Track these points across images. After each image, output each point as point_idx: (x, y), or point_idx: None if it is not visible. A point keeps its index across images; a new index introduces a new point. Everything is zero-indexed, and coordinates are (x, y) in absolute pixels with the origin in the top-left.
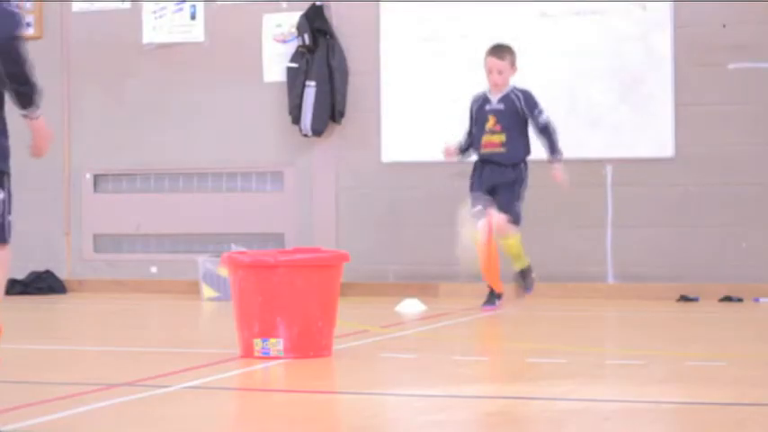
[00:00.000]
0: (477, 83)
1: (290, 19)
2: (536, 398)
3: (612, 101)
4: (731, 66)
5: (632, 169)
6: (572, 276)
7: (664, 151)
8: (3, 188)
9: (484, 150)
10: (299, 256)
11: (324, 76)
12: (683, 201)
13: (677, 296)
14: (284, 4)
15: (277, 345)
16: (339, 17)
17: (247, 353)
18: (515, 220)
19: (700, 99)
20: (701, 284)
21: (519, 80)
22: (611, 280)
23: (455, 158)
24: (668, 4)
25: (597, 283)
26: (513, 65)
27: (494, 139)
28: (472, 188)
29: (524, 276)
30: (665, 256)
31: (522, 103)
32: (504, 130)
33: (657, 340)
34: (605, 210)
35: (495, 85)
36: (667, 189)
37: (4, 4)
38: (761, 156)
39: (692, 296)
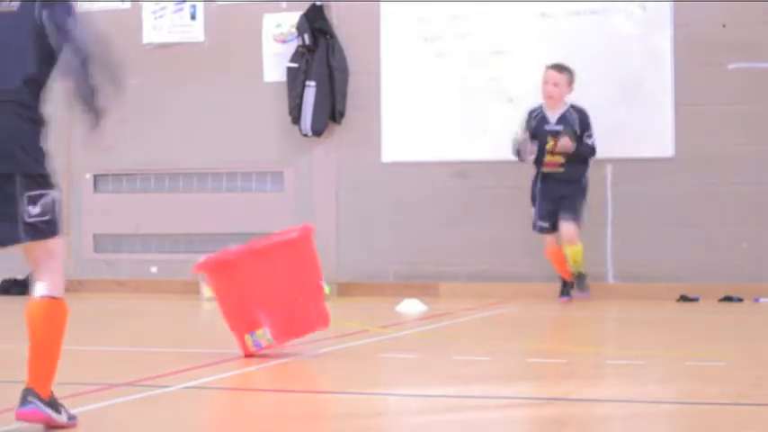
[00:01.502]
0: (477, 82)
1: (289, 19)
2: (536, 398)
3: (612, 101)
4: (731, 66)
5: (632, 169)
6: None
7: (664, 151)
8: (51, 188)
9: (545, 169)
10: (254, 243)
11: (324, 76)
12: (683, 201)
13: (677, 296)
14: (284, 4)
15: (265, 334)
16: (339, 17)
17: (246, 352)
18: (579, 222)
19: (700, 99)
20: (701, 284)
21: (520, 77)
22: (611, 280)
23: (531, 155)
24: (668, 5)
25: (597, 283)
26: (570, 83)
27: (554, 160)
28: (534, 202)
29: (583, 280)
30: (665, 256)
31: (578, 123)
32: (562, 151)
33: (657, 340)
34: (605, 210)
35: (548, 97)
36: (667, 189)
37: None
38: (761, 156)
39: (692, 296)
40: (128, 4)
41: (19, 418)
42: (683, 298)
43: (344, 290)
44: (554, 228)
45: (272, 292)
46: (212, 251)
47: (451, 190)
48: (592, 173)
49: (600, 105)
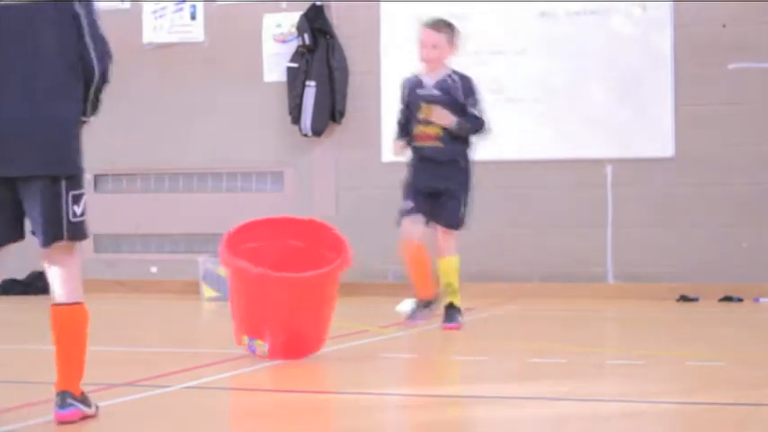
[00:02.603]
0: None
1: (289, 19)
2: (536, 398)
3: (612, 101)
4: (731, 66)
5: (632, 169)
6: (572, 276)
7: (664, 151)
8: (84, 187)
9: (417, 143)
10: (288, 274)
11: (324, 75)
12: (683, 201)
13: (677, 296)
14: (284, 4)
15: (262, 347)
16: (339, 17)
17: (239, 341)
18: (458, 228)
19: (700, 99)
20: (701, 284)
21: (520, 77)
22: (611, 280)
23: (405, 153)
24: (668, 4)
25: (597, 284)
26: (451, 43)
27: (428, 131)
28: (407, 195)
29: (454, 313)
30: (665, 256)
31: (460, 90)
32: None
33: (657, 340)
34: (605, 210)
35: (426, 61)
36: (667, 189)
37: (101, 33)
38: (761, 156)
39: (691, 296)
40: (127, 4)
41: (60, 420)
42: (683, 298)
43: (344, 290)
44: (423, 215)
45: (284, 317)
46: (212, 251)
47: None
48: (592, 173)
49: (600, 105)
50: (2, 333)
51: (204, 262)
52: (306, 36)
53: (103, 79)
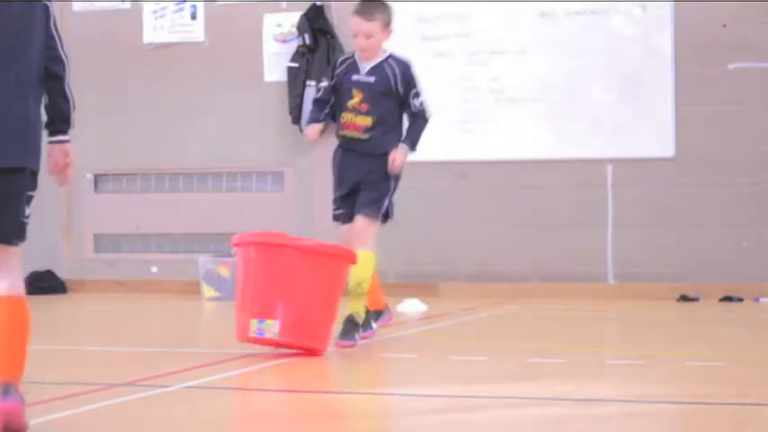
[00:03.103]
0: (478, 82)
1: (290, 19)
2: (536, 398)
3: (613, 101)
4: (731, 66)
5: (632, 169)
6: (572, 276)
7: (664, 151)
8: (35, 189)
9: (344, 132)
10: (307, 241)
11: (324, 75)
12: (683, 200)
13: (677, 296)
14: (284, 4)
15: (273, 327)
16: (339, 17)
17: (242, 334)
18: (377, 219)
19: (700, 99)
20: (702, 284)
21: (520, 77)
22: (611, 280)
23: (317, 133)
24: (668, 4)
25: (598, 284)
26: (386, 26)
27: (357, 122)
28: (336, 192)
29: (352, 327)
30: (665, 256)
31: (399, 78)
32: (371, 111)
33: (658, 340)
34: (606, 209)
35: (361, 51)
36: (668, 189)
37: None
38: (761, 156)
39: (692, 296)
40: (128, 5)
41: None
42: (684, 298)
43: (345, 289)
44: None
45: (300, 292)
46: (212, 251)
47: (451, 190)
48: (592, 173)
49: (600, 105)
50: None
51: (204, 262)
52: (306, 36)
53: (68, 74)
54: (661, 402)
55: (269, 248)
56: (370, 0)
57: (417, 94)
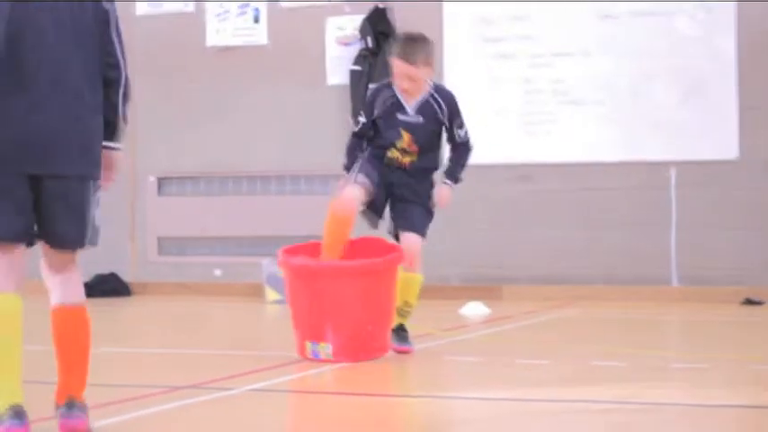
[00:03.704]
0: (540, 84)
1: (352, 22)
2: (599, 401)
3: (676, 102)
4: None
5: (696, 171)
6: (636, 279)
7: (728, 153)
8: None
9: (388, 162)
10: (346, 262)
11: (386, 77)
12: (747, 203)
13: (742, 299)
14: (347, 8)
15: (326, 349)
16: (402, 19)
17: (301, 353)
18: (425, 236)
19: (764, 100)
20: (766, 287)
21: (582, 79)
22: (675, 283)
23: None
24: (732, 5)
25: (661, 286)
26: (427, 64)
27: (404, 160)
28: (360, 168)
29: (405, 332)
30: (729, 259)
31: (445, 112)
32: (419, 150)
33: (721, 344)
34: (670, 212)
35: (405, 93)
36: (732, 191)
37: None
38: None
39: (756, 299)
40: (191, 7)
41: (66, 431)
42: (748, 301)
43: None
44: (372, 205)
45: (345, 312)
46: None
47: (515, 192)
48: (656, 175)
49: (663, 107)
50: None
51: (268, 265)
52: (368, 39)
53: (127, 84)
54: (725, 406)
55: (306, 275)
56: (411, 40)
57: (461, 125)
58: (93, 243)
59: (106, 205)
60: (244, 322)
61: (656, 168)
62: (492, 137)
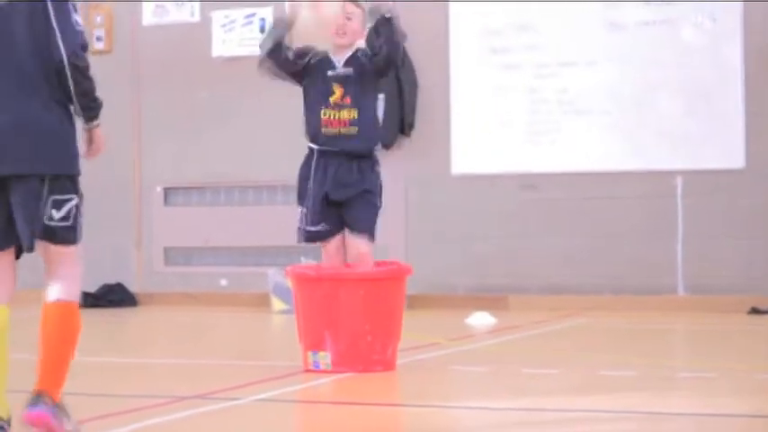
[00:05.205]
0: (546, 94)
1: None
2: (607, 410)
3: (682, 112)
4: None
5: (702, 180)
6: (642, 288)
7: (734, 162)
8: (76, 192)
9: (327, 130)
10: (345, 270)
11: (393, 88)
12: (753, 212)
13: (748, 308)
14: None
15: (325, 358)
16: (407, 28)
17: (305, 365)
18: (372, 239)
19: None
20: None
21: (588, 89)
22: (681, 292)
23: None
24: (738, 14)
25: (668, 295)
26: (365, 18)
27: (342, 116)
28: (303, 199)
29: None
30: (735, 268)
31: (368, 55)
32: (355, 103)
33: (728, 353)
34: (676, 221)
35: (340, 34)
36: (738, 200)
37: (72, 22)
38: None
39: (762, 308)
40: (197, 18)
41: (27, 422)
42: (754, 310)
43: (414, 302)
44: (336, 231)
45: (343, 320)
46: (282, 264)
47: (521, 202)
48: (662, 185)
49: (669, 116)
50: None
51: (274, 274)
52: None
53: (75, 63)
54: (732, 416)
55: (305, 283)
56: None
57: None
58: (68, 240)
59: (112, 216)
60: (250, 332)
61: (662, 177)
62: (498, 146)
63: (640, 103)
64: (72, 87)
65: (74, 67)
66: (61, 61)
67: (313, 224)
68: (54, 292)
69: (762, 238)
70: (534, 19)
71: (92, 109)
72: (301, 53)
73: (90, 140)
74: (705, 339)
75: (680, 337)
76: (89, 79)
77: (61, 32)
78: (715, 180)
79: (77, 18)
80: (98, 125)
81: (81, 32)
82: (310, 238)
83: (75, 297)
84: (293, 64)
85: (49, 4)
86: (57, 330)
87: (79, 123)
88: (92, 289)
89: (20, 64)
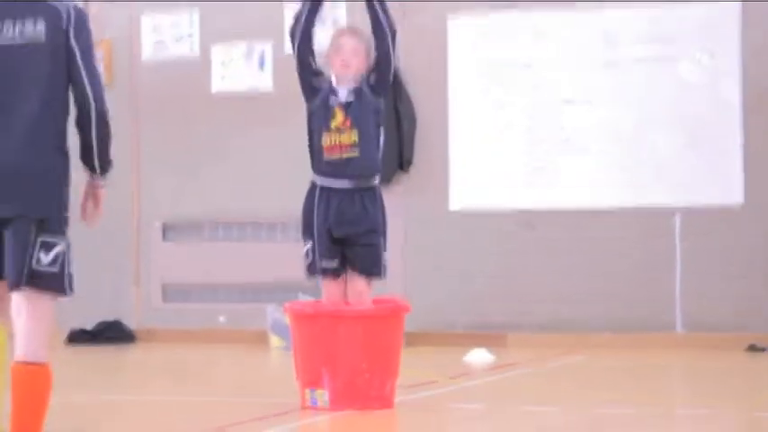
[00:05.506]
0: (544, 132)
1: None
2: None
3: (680, 149)
4: None
5: (701, 218)
6: (641, 326)
7: (733, 200)
8: (64, 237)
9: (329, 157)
10: (343, 307)
11: (391, 123)
12: (752, 249)
13: (746, 346)
14: None
15: (323, 396)
16: (406, 62)
17: (303, 403)
18: (371, 280)
19: None
20: None
21: (586, 126)
22: (679, 329)
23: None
24: (736, 51)
25: (666, 333)
26: (369, 54)
27: (343, 140)
28: (309, 232)
29: None
30: (734, 306)
31: (373, 79)
32: (355, 125)
33: (726, 391)
34: (674, 259)
35: (344, 67)
36: (736, 237)
37: (98, 66)
38: None
39: (760, 346)
40: (197, 53)
41: None
42: (752, 348)
43: (411, 339)
44: (343, 269)
45: (341, 358)
46: (280, 300)
47: (519, 239)
48: (660, 222)
49: (668, 154)
50: (70, 383)
51: (272, 311)
52: None
53: (102, 109)
54: None
55: (303, 320)
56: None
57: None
58: (54, 288)
59: (110, 251)
60: (248, 369)
61: (660, 215)
62: (496, 184)
63: (638, 141)
64: (94, 133)
65: (99, 113)
66: (88, 106)
67: (328, 259)
68: (22, 349)
69: (760, 275)
70: (533, 57)
71: (108, 162)
72: (319, 71)
73: (96, 198)
74: (703, 377)
75: (678, 375)
76: (109, 128)
77: (89, 77)
78: (713, 217)
79: (98, 64)
80: (105, 185)
81: (102, 82)
82: (325, 272)
83: (44, 357)
84: (309, 71)
85: (75, 47)
86: (28, 396)
87: (80, 176)
88: (89, 326)
89: (25, 105)
